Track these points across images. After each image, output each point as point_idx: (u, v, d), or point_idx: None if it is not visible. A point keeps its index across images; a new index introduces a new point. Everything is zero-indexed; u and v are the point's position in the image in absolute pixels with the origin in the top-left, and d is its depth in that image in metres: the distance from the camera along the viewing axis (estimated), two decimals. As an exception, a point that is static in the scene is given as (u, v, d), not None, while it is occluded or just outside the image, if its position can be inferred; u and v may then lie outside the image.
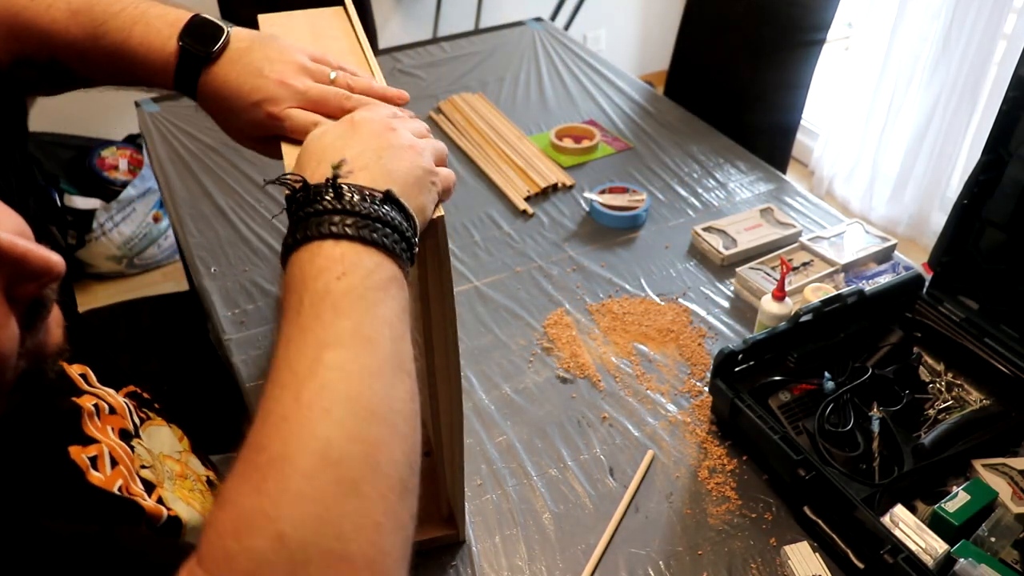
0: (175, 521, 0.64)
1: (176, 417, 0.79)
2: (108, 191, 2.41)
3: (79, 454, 0.59)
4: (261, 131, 0.70)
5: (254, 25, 0.90)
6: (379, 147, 0.57)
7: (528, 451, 0.98)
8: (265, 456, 0.44)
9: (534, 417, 1.03)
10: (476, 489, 0.94)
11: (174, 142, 1.58)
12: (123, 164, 2.46)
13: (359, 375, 0.47)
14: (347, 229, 0.50)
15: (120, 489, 0.61)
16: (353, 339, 0.48)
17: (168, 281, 2.54)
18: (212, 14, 0.73)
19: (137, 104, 1.69)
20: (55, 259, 0.45)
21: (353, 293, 0.49)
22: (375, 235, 0.51)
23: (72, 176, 2.41)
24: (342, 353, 0.47)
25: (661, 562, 0.85)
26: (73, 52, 0.71)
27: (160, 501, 0.64)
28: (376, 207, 0.52)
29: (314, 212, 0.51)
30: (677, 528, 0.89)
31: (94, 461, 0.60)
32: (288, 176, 0.55)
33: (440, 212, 0.62)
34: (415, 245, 0.55)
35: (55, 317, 0.51)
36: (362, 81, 0.73)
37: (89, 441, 0.61)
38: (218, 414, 1.20)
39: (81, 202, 2.37)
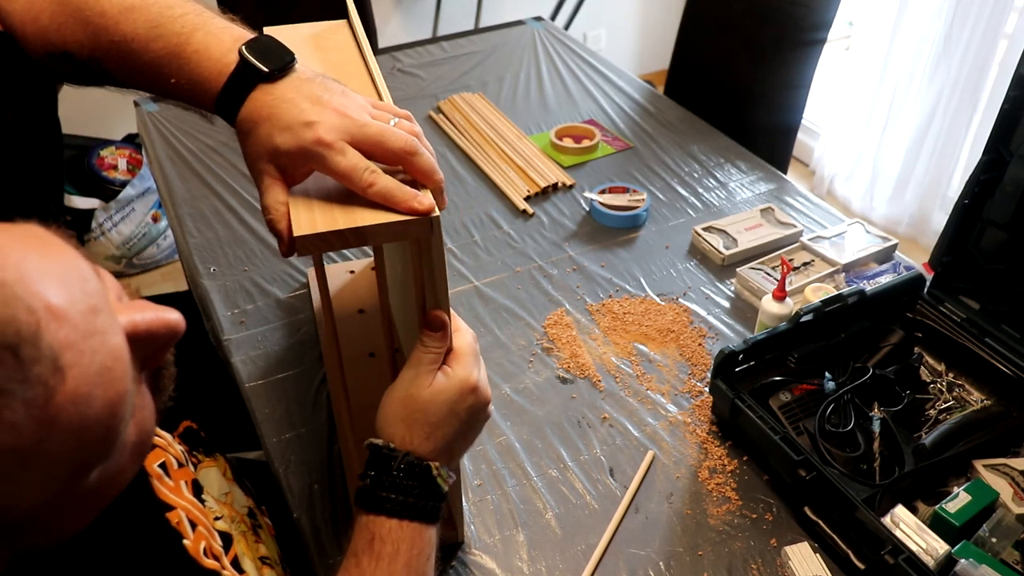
0: None
1: (217, 442, 0.79)
2: (107, 191, 2.41)
3: (175, 521, 0.62)
4: (298, 156, 0.62)
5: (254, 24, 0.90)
6: (467, 432, 0.69)
7: (528, 451, 0.98)
8: None
9: (534, 417, 1.03)
10: (476, 489, 0.94)
11: (173, 141, 1.58)
12: (122, 164, 2.46)
13: None
14: (432, 516, 0.65)
15: (206, 551, 0.63)
16: None
17: (167, 281, 2.54)
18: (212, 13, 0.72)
19: (136, 104, 1.69)
20: (174, 319, 0.45)
21: (432, 570, 0.66)
22: (443, 511, 0.67)
23: (71, 176, 2.41)
24: None
25: (661, 563, 0.85)
26: (117, 51, 0.66)
27: (236, 562, 0.66)
28: (447, 490, 0.67)
29: (411, 491, 0.64)
30: (677, 529, 0.89)
31: (178, 526, 0.61)
32: (395, 450, 0.65)
33: (436, 212, 0.61)
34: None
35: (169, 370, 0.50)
36: (423, 142, 0.67)
37: (169, 507, 0.63)
38: (220, 414, 1.20)
39: (80, 202, 2.37)
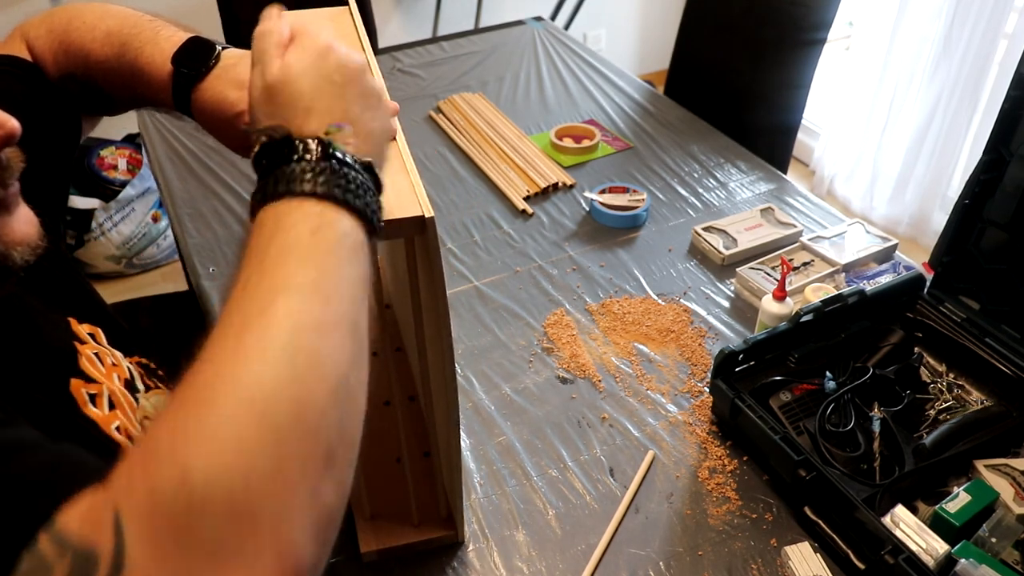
0: None
1: None
2: (107, 191, 2.41)
3: (79, 388, 0.60)
4: (246, 141, 0.70)
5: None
6: (361, 103, 0.55)
7: (528, 451, 0.98)
8: (191, 393, 0.42)
9: (534, 417, 1.03)
10: (476, 489, 0.94)
11: (173, 142, 1.58)
12: (122, 164, 2.46)
13: (308, 327, 0.44)
14: (334, 190, 0.49)
15: (119, 429, 0.61)
16: (312, 290, 0.46)
17: (167, 281, 2.54)
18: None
19: (136, 103, 1.69)
20: (8, 116, 0.49)
21: (323, 247, 0.48)
22: (358, 201, 0.51)
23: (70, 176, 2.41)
24: (296, 301, 0.45)
25: (661, 563, 0.85)
26: (102, 71, 0.76)
27: None
28: (362, 176, 0.52)
29: (300, 169, 0.49)
30: (677, 529, 0.89)
31: (93, 398, 0.60)
32: (273, 128, 0.52)
33: (430, 212, 0.61)
34: (382, 219, 0.55)
35: (27, 212, 0.54)
36: None
37: (90, 379, 0.62)
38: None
39: (80, 202, 2.37)
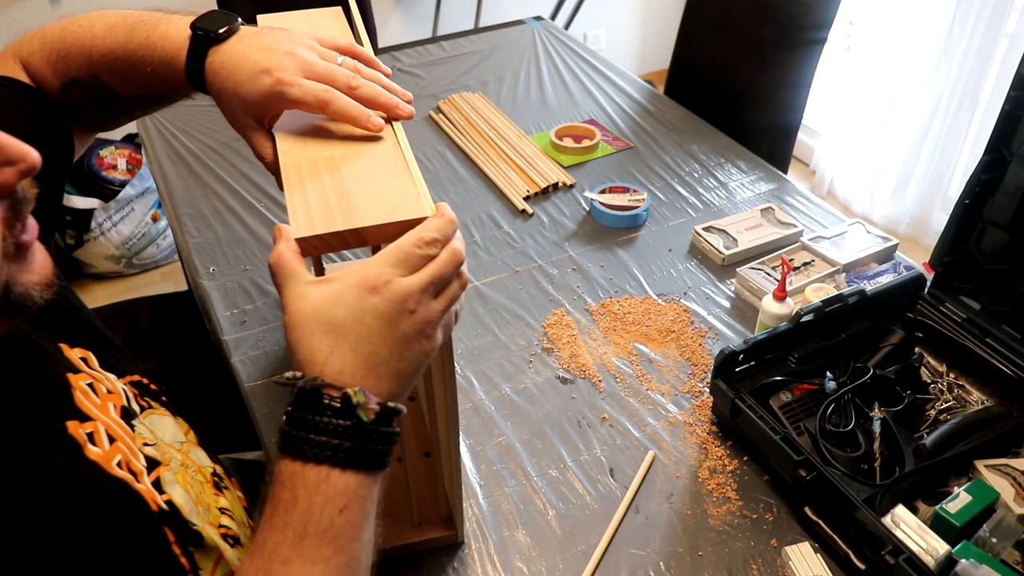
0: (171, 506, 0.64)
1: (183, 412, 0.79)
2: (106, 191, 2.41)
3: (77, 429, 0.60)
4: (264, 102, 0.70)
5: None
6: (393, 343, 0.56)
7: (528, 452, 0.98)
8: None
9: (534, 417, 1.02)
10: (476, 489, 0.94)
11: (173, 141, 1.58)
12: (121, 163, 2.46)
13: None
14: (353, 459, 0.54)
15: (120, 464, 0.61)
16: (345, 571, 0.54)
17: (167, 281, 2.54)
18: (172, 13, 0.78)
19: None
20: (30, 148, 0.49)
21: (351, 526, 0.55)
22: (376, 460, 0.56)
23: (70, 176, 2.41)
24: None
25: (662, 563, 0.85)
26: (107, 63, 0.77)
27: (158, 482, 0.64)
28: (380, 427, 0.55)
29: (321, 428, 0.53)
30: (678, 529, 0.89)
31: (91, 436, 0.60)
32: (299, 378, 0.55)
33: (434, 213, 0.61)
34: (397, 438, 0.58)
35: (43, 251, 0.54)
36: (370, 71, 0.74)
37: (85, 418, 0.62)
38: (220, 414, 1.20)
39: (79, 202, 2.37)
